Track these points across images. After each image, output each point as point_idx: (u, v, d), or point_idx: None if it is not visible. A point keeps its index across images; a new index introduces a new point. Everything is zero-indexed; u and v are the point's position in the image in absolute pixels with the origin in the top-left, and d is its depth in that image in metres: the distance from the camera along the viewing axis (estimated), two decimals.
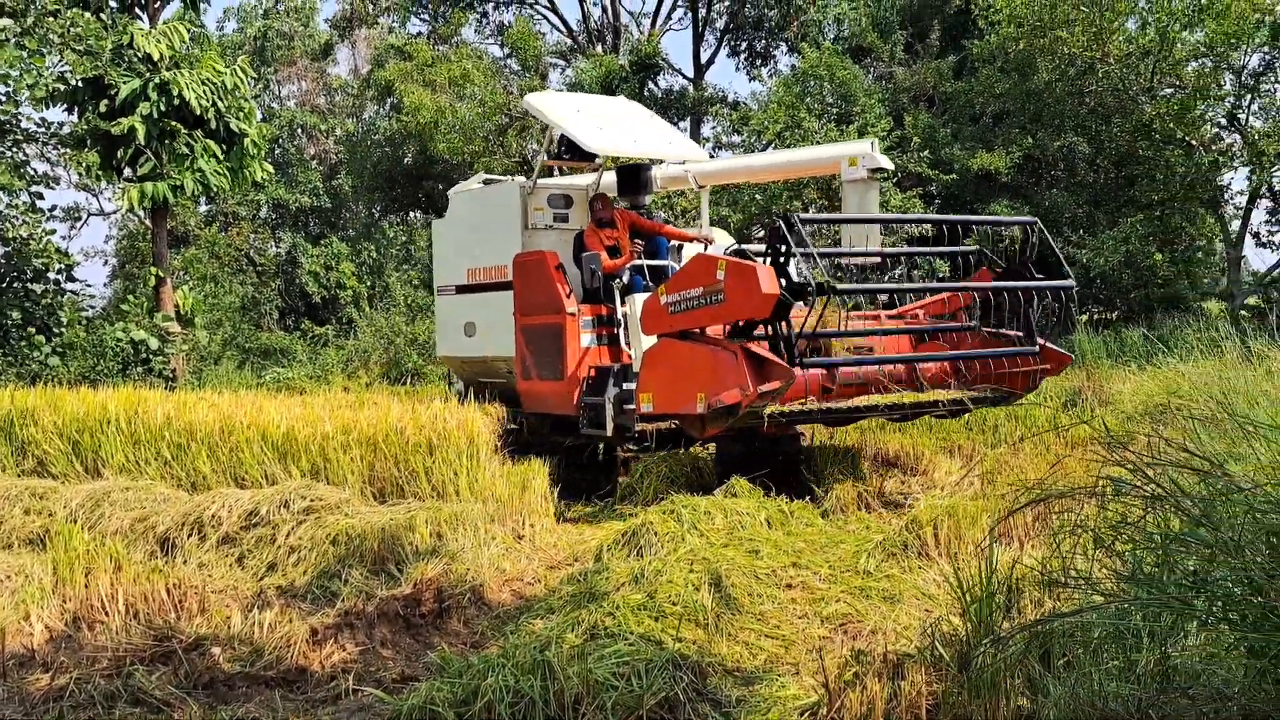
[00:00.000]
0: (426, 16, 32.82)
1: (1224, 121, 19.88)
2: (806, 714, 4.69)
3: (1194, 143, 19.07)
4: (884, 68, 24.67)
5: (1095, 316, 21.57)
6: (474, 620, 6.78)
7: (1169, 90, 19.40)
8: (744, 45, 32.17)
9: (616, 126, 11.02)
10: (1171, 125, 18.81)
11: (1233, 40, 18.12)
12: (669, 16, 33.40)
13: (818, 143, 19.04)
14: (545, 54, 30.75)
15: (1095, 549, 4.39)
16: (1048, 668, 4.21)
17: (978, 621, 4.63)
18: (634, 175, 11.35)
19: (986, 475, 9.33)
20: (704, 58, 32.57)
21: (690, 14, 32.24)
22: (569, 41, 33.90)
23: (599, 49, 32.10)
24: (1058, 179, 22.95)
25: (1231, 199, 20.73)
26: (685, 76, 32.14)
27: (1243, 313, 17.75)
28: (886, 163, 10.35)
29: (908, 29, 24.85)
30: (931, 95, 24.07)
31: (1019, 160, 21.55)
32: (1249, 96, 19.59)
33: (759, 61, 31.92)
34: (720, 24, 32.40)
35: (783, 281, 7.73)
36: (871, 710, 4.40)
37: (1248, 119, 19.67)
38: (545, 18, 33.96)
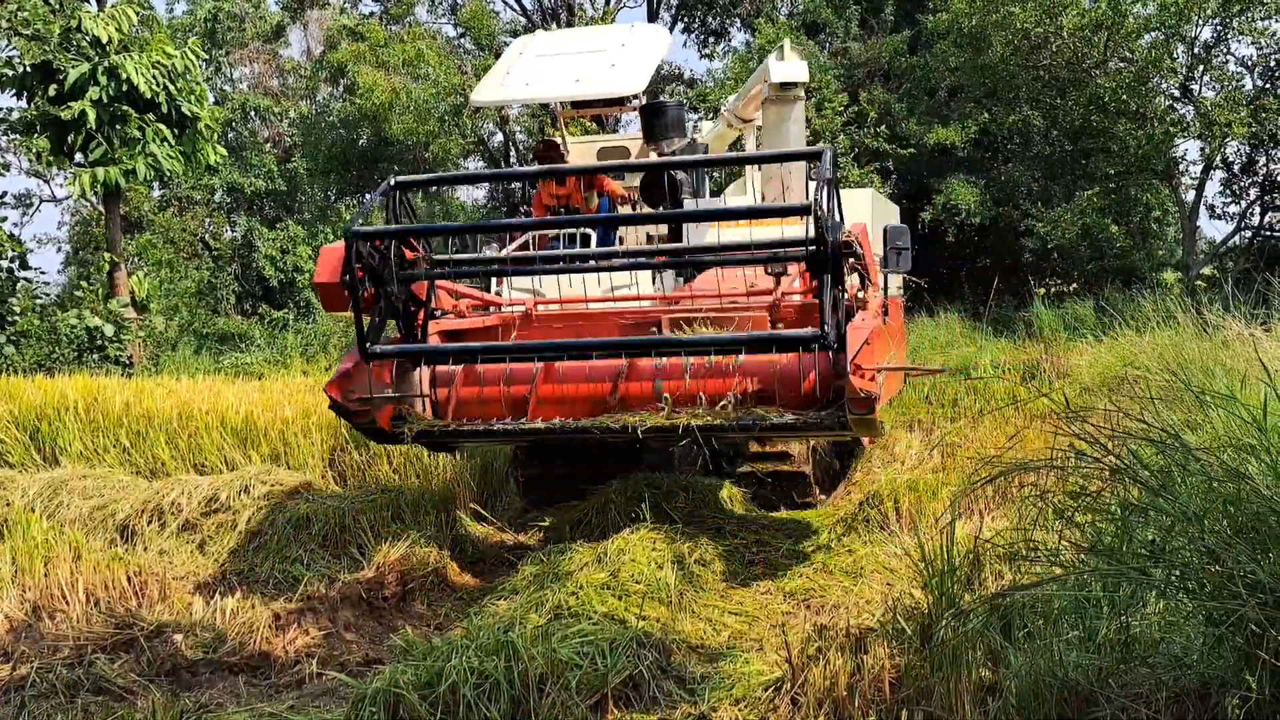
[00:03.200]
0: None
1: (1177, 93, 20.06)
2: (770, 689, 4.71)
3: (1147, 115, 19.23)
4: (839, 43, 24.67)
5: (1052, 289, 21.76)
6: (437, 602, 6.76)
7: (1122, 63, 19.53)
8: (698, 22, 32.06)
9: (558, 66, 9.22)
10: (1125, 98, 18.94)
11: (1184, 12, 18.26)
12: None
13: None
14: (499, 33, 30.49)
15: (1055, 521, 4.43)
16: (1009, 640, 4.24)
17: (939, 595, 4.65)
18: (648, 115, 9.77)
19: (947, 449, 9.40)
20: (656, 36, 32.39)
21: None
22: (523, 20, 33.63)
23: (554, 27, 31.87)
24: (1014, 153, 23.09)
25: (1186, 170, 20.92)
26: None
27: (1198, 283, 17.97)
28: (794, 72, 8.34)
29: (861, 4, 24.85)
30: (887, 71, 24.11)
31: (975, 135, 21.65)
32: (1201, 68, 19.76)
33: (713, 39, 31.85)
34: (674, 1, 32.28)
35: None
36: (835, 684, 4.42)
37: (1200, 90, 19.86)
38: None
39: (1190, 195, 21.04)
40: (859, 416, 5.75)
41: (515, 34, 32.41)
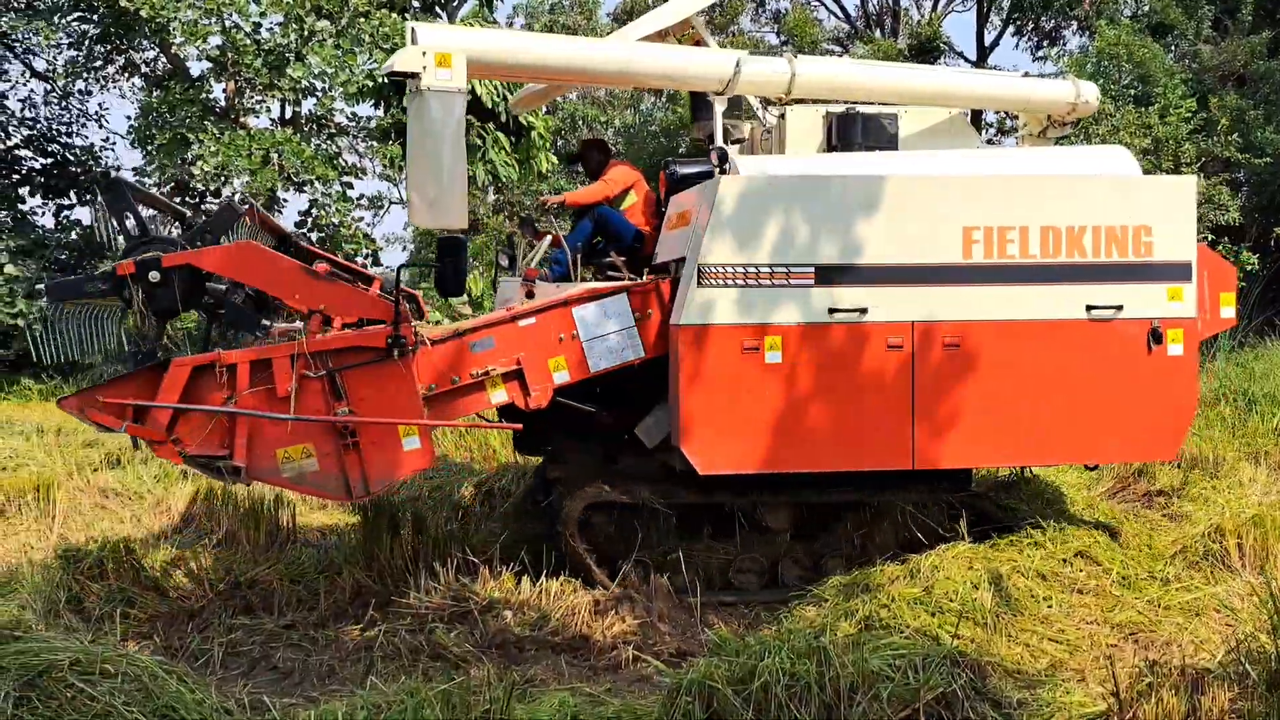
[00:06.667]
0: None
1: None
2: None
3: None
4: (1188, 45, 23.06)
5: None
6: (739, 604, 6.89)
7: None
8: (1031, 25, 30.78)
9: None
10: None
11: None
12: None
13: (1116, 128, 17.95)
14: (822, 40, 30.49)
15: None
16: None
17: None
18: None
19: None
20: (988, 40, 31.44)
21: None
22: (846, 27, 33.48)
23: (877, 34, 31.54)
24: None
25: None
26: (967, 60, 31.12)
27: None
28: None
29: (1216, 4, 23.12)
30: (1241, 74, 22.30)
31: None
32: None
33: (1046, 42, 30.49)
34: (1006, 3, 31.15)
35: None
36: None
37: None
38: (822, 3, 33.67)
39: None
40: None
41: (839, 41, 32.37)
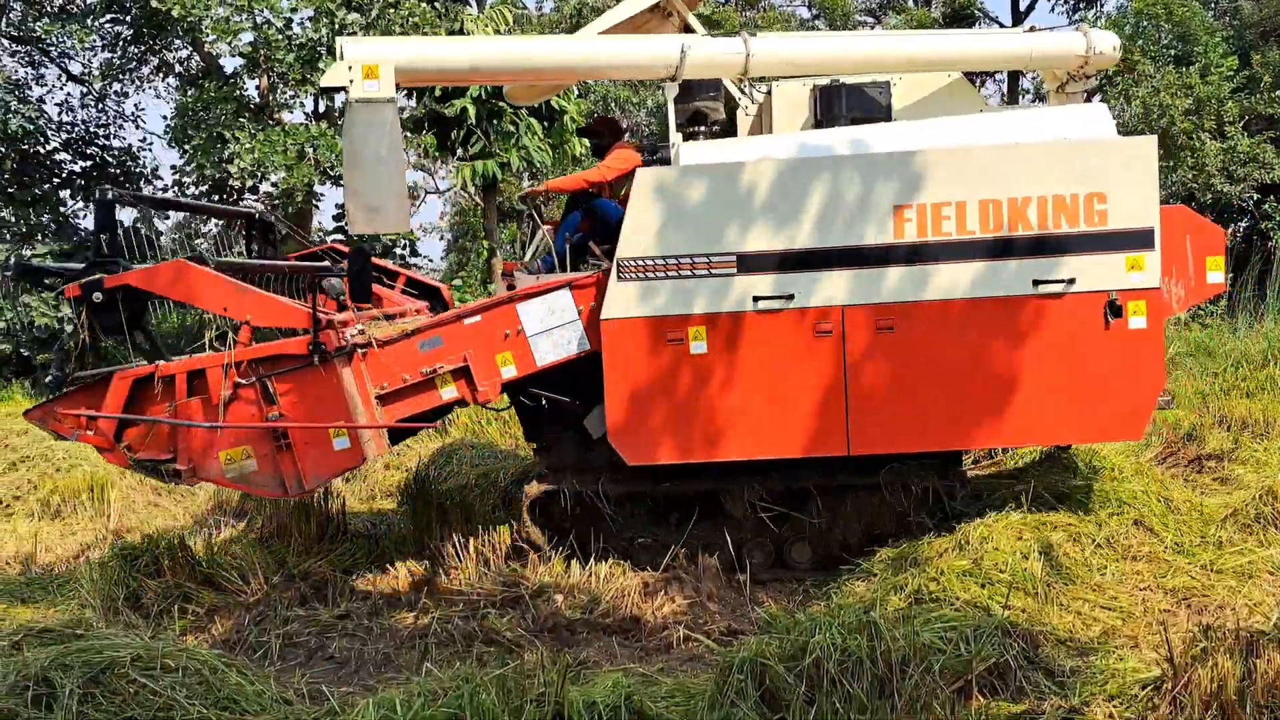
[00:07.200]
0: None
1: None
2: (1149, 688, 4.50)
3: None
4: (1228, 2, 22.67)
5: None
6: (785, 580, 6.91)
7: None
8: None
9: None
10: None
11: None
12: None
13: (1156, 90, 17.64)
14: (855, 12, 30.20)
15: None
16: None
17: None
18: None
19: None
20: (1023, 4, 31.02)
21: None
22: (876, 0, 33.16)
23: (910, 3, 31.22)
24: None
25: None
26: (1002, 25, 30.73)
27: None
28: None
29: None
30: None
31: None
32: None
33: (1083, 4, 30.03)
34: None
35: None
36: (1223, 687, 4.16)
37: None
38: None
39: None
40: None
41: (871, 12, 32.04)
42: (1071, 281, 6.42)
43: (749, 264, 6.48)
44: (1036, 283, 6.43)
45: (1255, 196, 16.67)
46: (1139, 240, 6.41)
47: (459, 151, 19.47)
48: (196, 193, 19.37)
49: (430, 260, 21.81)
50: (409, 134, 20.61)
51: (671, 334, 6.50)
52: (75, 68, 22.24)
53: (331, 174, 18.54)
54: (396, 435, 7.04)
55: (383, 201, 6.60)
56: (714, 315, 6.49)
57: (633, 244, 6.51)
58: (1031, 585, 5.86)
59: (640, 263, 6.50)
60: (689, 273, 6.49)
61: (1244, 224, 17.19)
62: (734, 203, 6.49)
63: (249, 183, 18.28)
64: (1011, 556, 6.06)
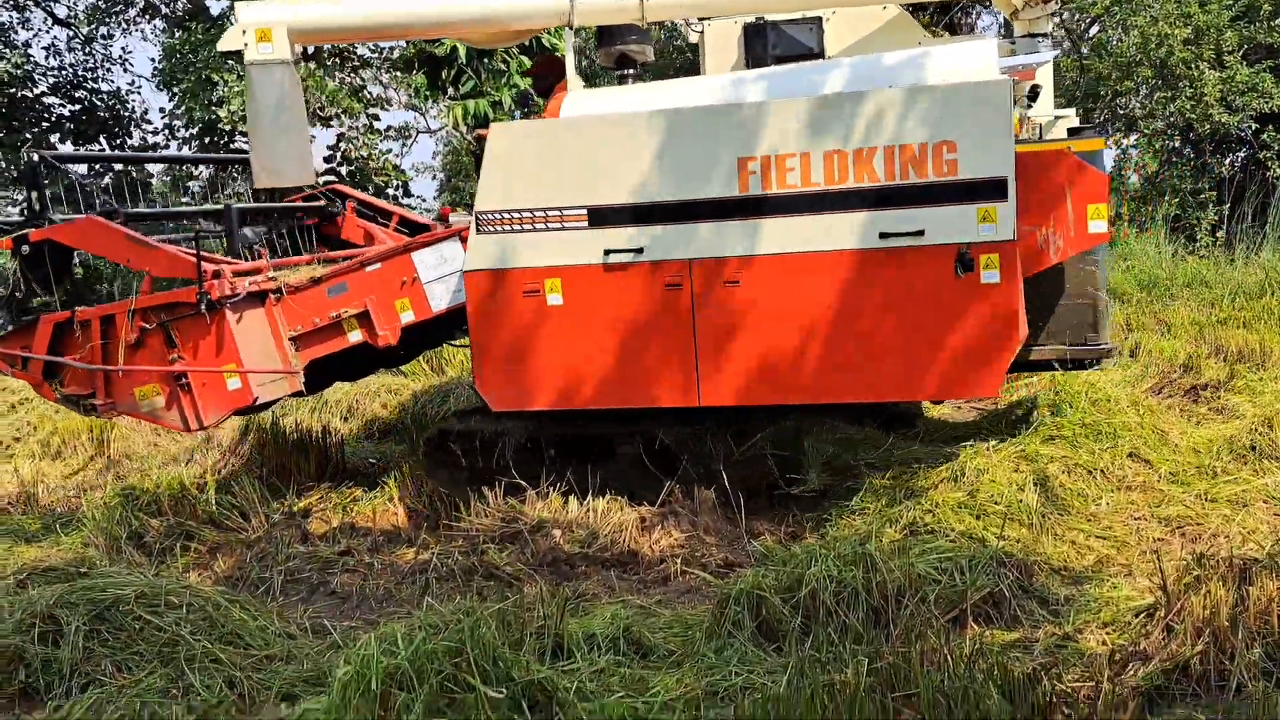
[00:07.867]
0: None
1: None
2: (1142, 615, 4.56)
3: None
4: None
5: None
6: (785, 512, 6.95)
7: None
8: None
9: None
10: None
11: None
12: None
13: (1154, 19, 17.43)
14: None
15: None
16: None
17: None
18: None
19: None
20: None
21: None
22: None
23: None
24: None
25: None
26: None
27: None
28: None
29: None
30: None
31: None
32: None
33: None
34: None
35: None
36: (1215, 614, 4.21)
37: None
38: None
39: None
40: None
41: None
42: (920, 234, 6.07)
43: (601, 217, 6.44)
44: (884, 235, 6.12)
45: (1254, 126, 16.55)
46: (991, 191, 6.00)
47: (450, 90, 19.32)
48: (186, 135, 19.23)
49: (424, 200, 21.72)
50: (399, 73, 20.44)
51: (528, 286, 6.54)
52: (61, 11, 21.98)
53: (322, 115, 18.40)
54: (321, 382, 7.77)
55: (284, 159, 7.14)
56: (568, 268, 6.48)
57: (489, 197, 6.56)
58: (1026, 516, 5.91)
59: (497, 215, 6.55)
60: (543, 225, 6.49)
61: (1242, 154, 17.09)
62: (584, 156, 6.46)
63: (240, 127, 18.14)
64: (1007, 488, 6.10)
